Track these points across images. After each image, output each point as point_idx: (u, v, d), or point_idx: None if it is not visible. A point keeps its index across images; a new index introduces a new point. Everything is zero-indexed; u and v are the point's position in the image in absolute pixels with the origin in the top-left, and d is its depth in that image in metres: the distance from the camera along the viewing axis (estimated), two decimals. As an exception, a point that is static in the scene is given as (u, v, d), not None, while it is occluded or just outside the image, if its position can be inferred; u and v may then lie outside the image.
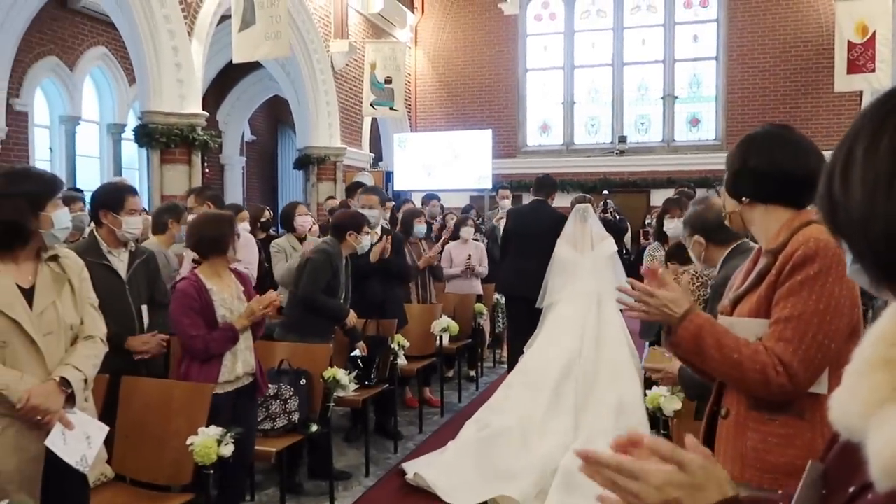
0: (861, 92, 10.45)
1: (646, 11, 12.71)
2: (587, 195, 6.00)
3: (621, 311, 1.82)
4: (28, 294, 2.11)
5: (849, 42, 8.96)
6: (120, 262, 3.14)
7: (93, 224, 3.23)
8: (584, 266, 4.99)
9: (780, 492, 0.91)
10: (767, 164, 1.55)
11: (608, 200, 9.15)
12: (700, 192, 5.39)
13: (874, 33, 8.78)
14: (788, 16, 11.60)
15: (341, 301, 4.20)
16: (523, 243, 5.72)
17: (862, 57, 8.90)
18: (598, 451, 0.82)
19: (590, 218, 5.24)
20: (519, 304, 5.64)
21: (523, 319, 5.52)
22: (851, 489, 0.69)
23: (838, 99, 10.95)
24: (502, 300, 6.92)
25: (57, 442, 2.08)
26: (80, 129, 10.26)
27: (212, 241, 2.93)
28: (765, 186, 1.57)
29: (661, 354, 2.27)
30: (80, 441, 2.13)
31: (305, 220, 5.31)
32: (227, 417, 2.82)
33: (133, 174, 10.89)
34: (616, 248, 5.27)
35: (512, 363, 5.50)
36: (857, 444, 0.65)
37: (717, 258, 2.47)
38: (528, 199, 11.55)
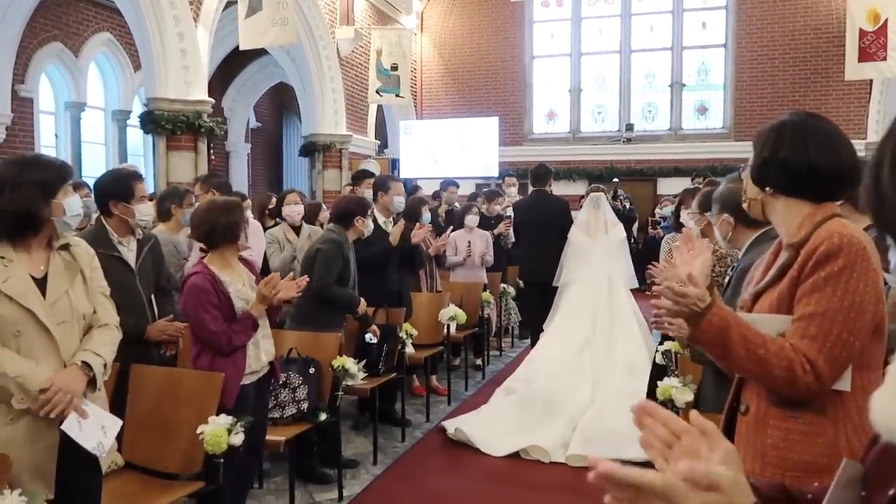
0: (872, 81, 10.37)
1: (654, -2, 12.60)
2: (601, 185, 6.37)
3: (655, 318, 1.78)
4: (41, 283, 2.10)
5: (860, 30, 8.85)
6: (129, 251, 3.10)
7: (99, 213, 3.17)
8: (597, 250, 5.52)
9: (815, 484, 0.89)
10: (799, 157, 1.51)
11: (618, 189, 9.12)
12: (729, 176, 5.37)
13: (886, 21, 8.67)
14: (798, 3, 11.48)
15: (351, 289, 4.20)
16: (531, 232, 6.27)
17: (874, 45, 8.79)
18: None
19: (603, 206, 5.70)
20: (535, 288, 6.29)
21: (540, 302, 6.12)
22: (892, 491, 0.67)
23: (848, 87, 10.86)
24: (510, 289, 6.94)
25: (73, 427, 2.08)
26: (86, 116, 10.24)
27: (225, 230, 2.86)
28: (792, 179, 1.53)
29: None
30: (96, 429, 2.14)
31: (293, 210, 5.11)
32: (254, 406, 2.82)
33: (138, 161, 10.87)
34: (625, 235, 5.75)
35: (533, 340, 6.11)
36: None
37: (744, 241, 2.39)
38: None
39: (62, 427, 2.07)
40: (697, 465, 0.75)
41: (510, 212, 7.17)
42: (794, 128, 1.54)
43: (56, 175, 2.15)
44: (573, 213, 6.26)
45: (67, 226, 2.19)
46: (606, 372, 4.94)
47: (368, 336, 4.30)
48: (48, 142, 9.82)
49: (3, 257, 2.05)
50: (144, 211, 3.09)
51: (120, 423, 2.27)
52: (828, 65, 11.23)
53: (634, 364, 4.89)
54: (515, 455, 4.28)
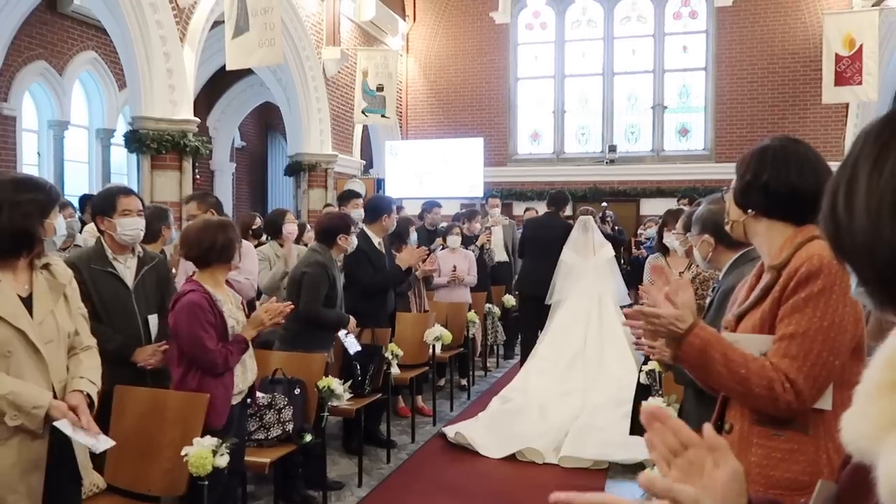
0: (848, 104, 10.59)
1: (636, 22, 12.82)
2: (590, 207, 6.84)
3: (637, 341, 1.80)
4: (26, 303, 2.10)
5: (836, 55, 9.07)
6: (127, 269, 3.08)
7: (87, 230, 3.20)
8: (587, 269, 6.00)
9: (802, 501, 0.91)
10: (780, 181, 1.55)
11: (607, 212, 9.22)
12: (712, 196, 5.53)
13: (861, 46, 8.89)
14: (776, 28, 11.74)
15: (339, 309, 4.21)
16: (536, 249, 6.78)
17: (849, 69, 9.01)
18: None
19: (592, 227, 6.23)
20: (532, 301, 6.66)
21: (535, 313, 6.56)
22: None
23: (825, 110, 11.08)
24: (495, 310, 6.97)
25: (66, 427, 2.08)
26: (69, 134, 10.19)
27: (221, 249, 2.85)
28: (774, 203, 1.57)
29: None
30: (89, 436, 2.14)
31: (292, 228, 5.24)
32: (237, 427, 2.80)
33: (122, 179, 10.82)
34: (614, 253, 6.27)
35: (526, 352, 6.44)
36: (868, 466, 0.65)
37: (724, 261, 2.41)
38: (518, 207, 11.68)
39: (56, 424, 2.06)
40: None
41: (494, 229, 7.49)
42: (776, 152, 1.58)
43: (49, 196, 2.18)
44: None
45: (53, 245, 2.21)
46: (596, 382, 5.31)
47: (344, 334, 4.26)
48: (30, 160, 9.76)
49: None
50: (127, 225, 3.04)
51: (112, 442, 2.25)
52: (805, 88, 11.46)
53: (622, 375, 5.23)
54: (511, 457, 4.60)
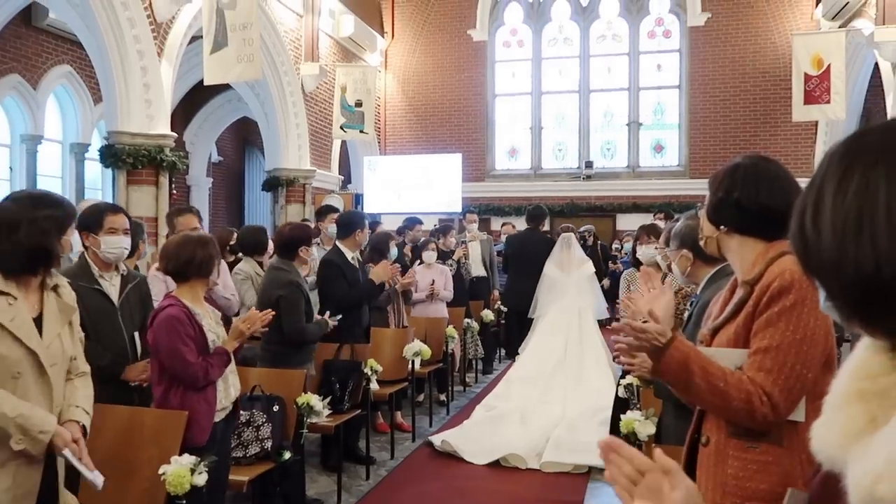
0: (817, 122, 10.84)
1: (611, 40, 13.03)
2: (570, 224, 7.17)
3: (616, 356, 1.83)
4: (37, 323, 2.07)
5: (805, 74, 9.30)
6: (112, 286, 3.07)
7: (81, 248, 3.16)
8: (568, 284, 6.29)
9: None
10: (751, 198, 1.59)
11: (588, 233, 9.37)
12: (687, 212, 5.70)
13: (829, 66, 9.13)
14: (748, 48, 12.01)
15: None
16: (519, 264, 7.11)
17: (818, 88, 9.23)
18: None
19: (573, 244, 6.58)
20: (516, 314, 7.07)
21: (519, 326, 6.93)
22: None
23: (795, 128, 11.33)
24: (473, 324, 6.98)
25: (72, 458, 2.06)
26: (42, 149, 10.05)
27: (200, 264, 2.84)
28: (745, 219, 1.61)
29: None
30: (90, 470, 2.13)
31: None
32: (220, 444, 2.77)
33: (96, 195, 10.68)
34: (594, 270, 6.62)
35: (511, 361, 6.87)
36: (838, 474, 0.67)
37: (703, 276, 2.44)
38: (496, 222, 11.74)
39: (63, 452, 2.04)
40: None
41: (472, 244, 7.64)
42: (747, 170, 1.63)
43: (66, 211, 2.18)
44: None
45: (69, 261, 2.21)
46: (576, 391, 5.57)
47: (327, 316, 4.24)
48: (2, 175, 9.61)
49: (7, 294, 2.02)
50: (112, 243, 3.03)
51: (102, 479, 2.20)
52: (776, 106, 11.72)
53: (600, 385, 5.51)
54: (494, 465, 4.73)
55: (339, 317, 4.30)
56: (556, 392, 5.60)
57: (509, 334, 7.55)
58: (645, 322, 1.55)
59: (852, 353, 0.75)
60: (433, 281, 6.30)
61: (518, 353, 6.49)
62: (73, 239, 2.24)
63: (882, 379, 0.70)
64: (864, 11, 9.44)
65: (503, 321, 8.19)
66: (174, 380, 2.77)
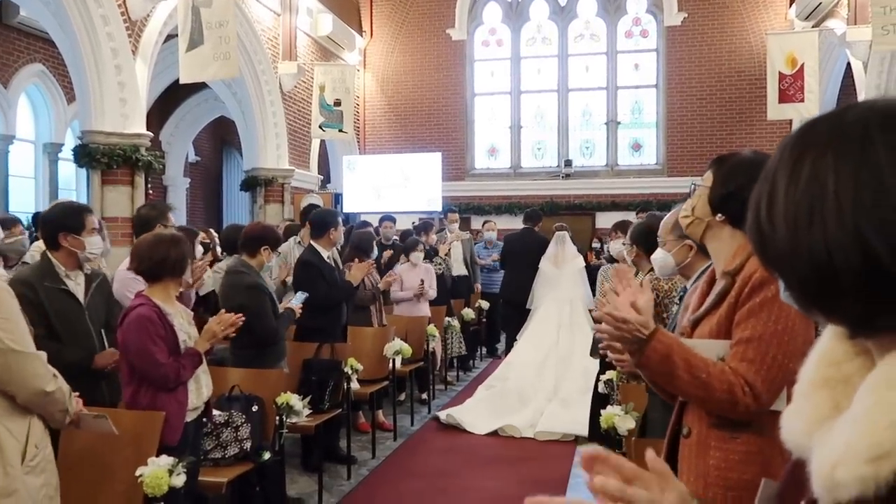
0: (791, 120, 10.99)
1: (589, 40, 13.10)
2: (564, 224, 7.76)
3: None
4: None
5: (780, 73, 9.41)
6: (77, 285, 3.03)
7: (38, 247, 3.11)
8: (561, 278, 6.97)
9: None
10: None
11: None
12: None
13: (803, 65, 9.24)
14: (723, 48, 12.13)
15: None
16: (516, 261, 7.88)
17: (792, 87, 9.35)
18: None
19: (566, 241, 7.22)
20: (514, 305, 7.73)
21: (516, 317, 7.62)
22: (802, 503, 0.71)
23: (771, 126, 11.47)
24: (454, 323, 6.99)
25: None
26: (14, 149, 9.86)
27: (174, 263, 2.80)
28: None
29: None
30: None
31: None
32: (192, 445, 2.73)
33: (70, 195, 10.50)
34: (584, 264, 7.31)
35: (508, 347, 7.64)
36: (805, 461, 0.68)
37: (697, 268, 2.39)
38: (477, 221, 11.80)
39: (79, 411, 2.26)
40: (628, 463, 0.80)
41: (450, 238, 8.01)
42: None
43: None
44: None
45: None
46: (567, 372, 6.25)
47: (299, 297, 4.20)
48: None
49: None
50: (94, 244, 3.03)
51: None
52: (751, 105, 11.85)
53: (588, 367, 5.91)
54: (494, 433, 5.49)
55: (306, 295, 4.24)
56: (549, 373, 6.28)
57: (506, 323, 8.24)
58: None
59: (818, 341, 0.75)
60: (422, 281, 6.30)
61: (516, 340, 7.19)
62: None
63: (845, 366, 0.71)
64: (837, 12, 9.59)
65: (484, 319, 8.35)
66: (144, 380, 2.74)
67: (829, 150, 0.65)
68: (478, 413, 5.77)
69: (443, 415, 5.84)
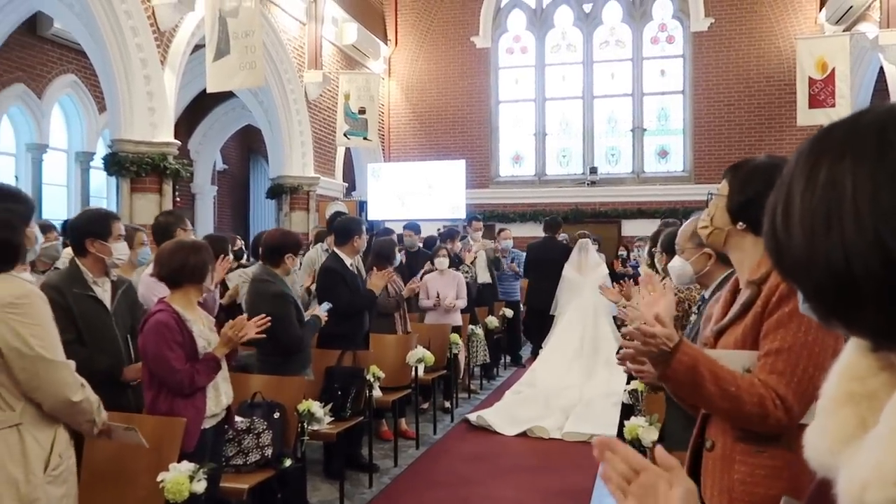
0: (822, 126, 10.78)
1: (614, 46, 13.02)
2: (587, 231, 8.11)
3: (620, 356, 1.78)
4: None
5: (809, 78, 9.25)
6: (104, 292, 3.06)
7: (68, 254, 3.16)
8: (584, 285, 7.12)
9: None
10: None
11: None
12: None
13: (833, 70, 9.08)
14: (751, 52, 11.97)
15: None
16: (539, 269, 8.06)
17: (822, 92, 9.19)
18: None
19: (589, 248, 7.45)
20: (538, 312, 7.98)
21: (540, 322, 7.86)
22: None
23: (801, 132, 11.26)
24: (478, 331, 6.95)
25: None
26: (47, 158, 10.09)
27: (194, 270, 2.83)
28: None
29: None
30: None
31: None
32: (212, 451, 2.74)
33: (101, 203, 10.71)
34: (608, 271, 7.55)
35: (534, 354, 7.95)
36: (831, 481, 0.65)
37: (717, 276, 2.35)
38: (500, 227, 11.79)
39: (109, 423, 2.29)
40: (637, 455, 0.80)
41: (474, 245, 8.01)
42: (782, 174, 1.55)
43: (28, 204, 2.20)
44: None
45: (34, 253, 2.21)
46: (590, 378, 6.43)
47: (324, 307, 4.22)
48: (7, 184, 9.61)
49: None
50: (121, 250, 3.07)
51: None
52: (781, 111, 11.67)
53: (611, 372, 6.19)
54: (523, 435, 5.67)
55: (329, 305, 4.25)
56: (574, 378, 6.46)
57: (530, 330, 8.47)
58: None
59: (841, 354, 0.73)
60: (437, 293, 6.29)
61: (542, 347, 7.38)
62: (118, 246, 2.23)
63: (870, 380, 0.68)
64: (868, 15, 9.40)
65: (505, 327, 8.29)
66: (163, 385, 2.76)
67: (846, 154, 0.63)
68: (507, 415, 5.94)
69: (473, 416, 6.00)
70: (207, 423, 2.83)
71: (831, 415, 0.69)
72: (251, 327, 2.94)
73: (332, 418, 3.83)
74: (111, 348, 3.01)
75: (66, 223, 7.07)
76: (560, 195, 12.75)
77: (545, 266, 7.90)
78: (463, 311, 6.70)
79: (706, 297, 2.39)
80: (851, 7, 9.74)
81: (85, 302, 2.97)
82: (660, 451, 0.83)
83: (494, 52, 13.26)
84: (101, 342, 2.99)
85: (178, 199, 9.04)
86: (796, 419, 1.45)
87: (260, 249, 4.25)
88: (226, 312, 4.73)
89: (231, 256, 4.51)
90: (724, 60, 12.11)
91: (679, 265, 2.43)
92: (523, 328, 8.85)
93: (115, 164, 7.14)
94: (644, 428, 2.98)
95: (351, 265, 4.82)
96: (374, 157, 12.65)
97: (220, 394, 2.92)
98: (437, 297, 6.27)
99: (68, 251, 4.80)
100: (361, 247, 4.97)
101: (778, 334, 1.47)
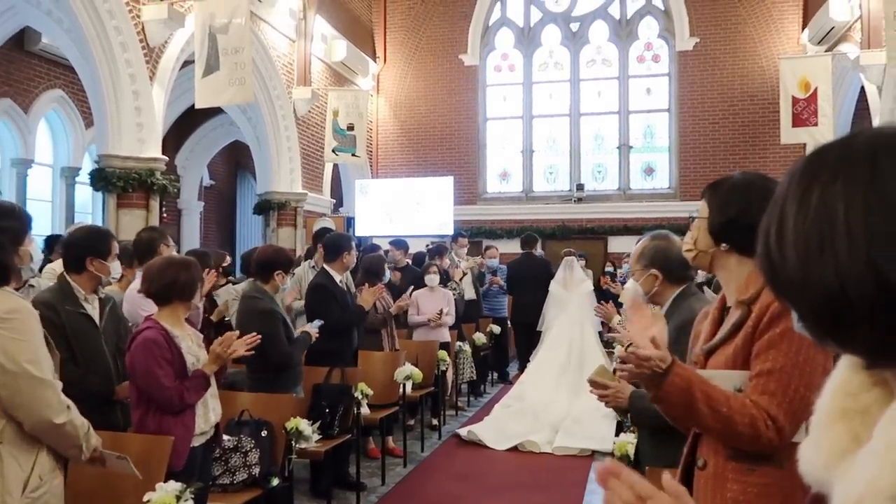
0: (805, 144, 10.94)
1: (601, 65, 13.17)
2: (572, 249, 8.21)
3: (618, 374, 1.80)
4: None
5: (793, 97, 9.39)
6: (94, 309, 3.04)
7: (51, 269, 3.13)
8: (570, 300, 7.28)
9: None
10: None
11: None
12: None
13: (816, 89, 9.22)
14: (735, 71, 12.15)
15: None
16: (521, 284, 8.20)
17: (805, 111, 9.32)
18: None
19: (574, 265, 7.62)
20: (522, 327, 8.15)
21: (527, 338, 7.99)
22: None
23: (784, 150, 11.42)
24: (465, 347, 6.95)
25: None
26: (32, 173, 10.01)
27: (183, 286, 2.81)
28: (752, 241, 1.57)
29: (606, 371, 2.21)
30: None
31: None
32: (200, 470, 2.71)
33: (86, 219, 10.61)
34: (593, 287, 7.63)
35: (521, 368, 8.00)
36: (826, 496, 0.66)
37: (667, 296, 2.40)
38: (487, 244, 11.83)
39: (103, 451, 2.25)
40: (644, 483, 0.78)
41: (462, 263, 8.00)
42: (760, 191, 1.56)
43: (22, 221, 2.16)
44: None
45: (31, 272, 2.19)
46: (578, 392, 6.40)
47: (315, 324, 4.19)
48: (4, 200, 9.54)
49: None
50: (117, 268, 3.10)
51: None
52: (764, 129, 11.82)
53: None
54: (514, 449, 5.76)
55: (320, 322, 4.24)
56: (562, 391, 6.57)
57: (518, 344, 8.56)
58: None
59: (834, 371, 0.74)
60: (442, 310, 6.29)
61: (529, 361, 7.48)
62: (33, 248, 2.19)
63: (863, 396, 0.69)
64: (850, 35, 9.59)
65: (493, 344, 8.29)
66: (151, 403, 2.73)
67: (838, 177, 0.64)
68: (497, 429, 6.01)
69: (463, 432, 6.07)
70: (196, 441, 2.80)
71: (825, 430, 0.70)
72: (241, 344, 2.92)
73: (320, 436, 3.80)
74: (101, 366, 2.99)
75: (49, 238, 7.02)
76: (547, 212, 12.82)
77: (525, 282, 8.07)
78: (450, 328, 6.70)
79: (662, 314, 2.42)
80: (833, 28, 9.93)
81: (77, 320, 2.94)
82: (667, 478, 0.83)
83: (482, 69, 13.36)
84: (93, 361, 2.97)
85: (164, 214, 8.99)
86: (787, 439, 1.46)
87: (251, 265, 4.23)
88: (215, 329, 4.71)
89: (214, 271, 4.48)
90: (708, 79, 12.28)
91: (631, 287, 2.50)
92: (515, 343, 8.91)
93: (102, 179, 7.09)
94: (633, 444, 2.97)
95: (340, 282, 4.81)
96: (362, 174, 12.67)
97: (209, 411, 2.90)
98: (440, 312, 6.26)
99: (53, 267, 4.76)
100: (351, 263, 4.97)
101: (770, 354, 1.48)
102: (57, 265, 4.11)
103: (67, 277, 3.02)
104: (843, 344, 0.67)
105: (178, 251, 4.32)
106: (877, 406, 0.67)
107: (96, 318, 3.04)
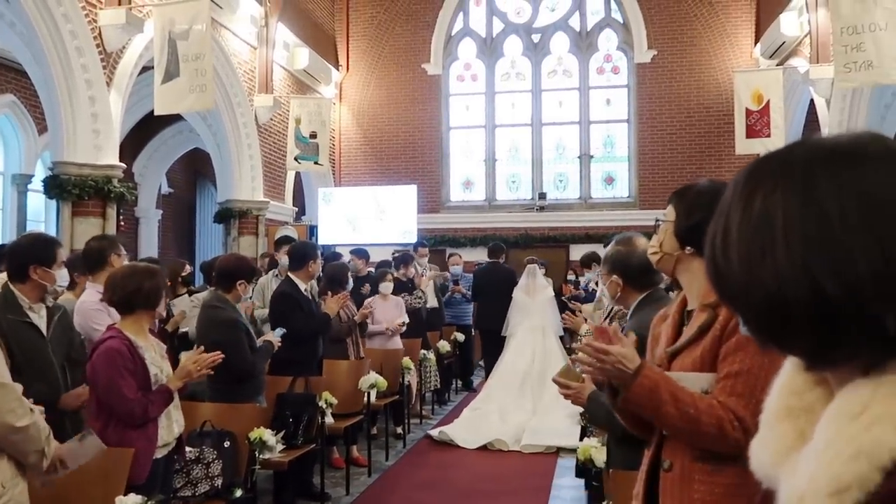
0: (759, 154, 11.24)
1: (562, 75, 13.36)
2: (535, 257, 8.36)
3: (582, 372, 1.83)
4: None
5: (746, 109, 9.66)
6: (40, 318, 2.97)
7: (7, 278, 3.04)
8: (533, 307, 7.52)
9: None
10: None
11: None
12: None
13: (768, 102, 9.51)
14: (692, 84, 12.45)
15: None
16: (487, 292, 8.44)
17: (758, 123, 9.60)
18: None
19: (537, 273, 7.82)
20: (489, 333, 8.32)
21: (493, 343, 8.14)
22: None
23: (739, 160, 11.71)
24: (430, 356, 6.95)
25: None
26: (-18, 180, 9.70)
27: (147, 295, 2.76)
28: None
29: (571, 371, 2.25)
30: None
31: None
32: (163, 483, 2.66)
33: (39, 227, 10.32)
34: (553, 294, 7.90)
35: (488, 372, 8.16)
36: (774, 493, 0.68)
37: (631, 301, 2.46)
38: (451, 252, 11.86)
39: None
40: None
41: (425, 271, 8.04)
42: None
43: None
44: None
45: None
46: (541, 392, 6.79)
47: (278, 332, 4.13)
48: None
49: None
50: (63, 276, 3.02)
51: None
52: (720, 140, 12.13)
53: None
54: (483, 448, 6.04)
55: (283, 331, 4.19)
56: (527, 393, 6.90)
57: (484, 350, 8.75)
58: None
59: (780, 371, 0.76)
60: (403, 322, 6.28)
61: (494, 366, 7.73)
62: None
63: (807, 395, 0.71)
64: (800, 50, 9.92)
65: (457, 352, 8.29)
66: (113, 415, 2.66)
67: (777, 186, 0.67)
68: (467, 429, 6.31)
69: (435, 433, 6.31)
70: (159, 453, 2.75)
71: (772, 428, 0.72)
72: (207, 362, 2.89)
73: (284, 446, 3.76)
74: (48, 376, 2.92)
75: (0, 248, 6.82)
76: (510, 220, 12.92)
77: (492, 289, 8.26)
78: (415, 336, 6.70)
79: (628, 319, 2.49)
80: (784, 42, 10.27)
81: (20, 329, 2.87)
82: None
83: (445, 79, 13.43)
84: (38, 370, 2.89)
85: (122, 223, 8.80)
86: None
87: (213, 274, 4.16)
88: (179, 340, 4.62)
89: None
90: (666, 91, 12.56)
91: (589, 308, 2.61)
92: (480, 350, 9.04)
93: (56, 186, 6.91)
94: (597, 449, 3.02)
95: (305, 290, 4.78)
96: (325, 182, 12.59)
97: (172, 422, 2.84)
98: (399, 322, 6.26)
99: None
100: (316, 272, 4.95)
101: (737, 357, 1.51)
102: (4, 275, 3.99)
103: (11, 286, 2.95)
104: (783, 346, 0.69)
105: (135, 260, 4.22)
106: (820, 404, 0.69)
107: (43, 327, 2.97)
